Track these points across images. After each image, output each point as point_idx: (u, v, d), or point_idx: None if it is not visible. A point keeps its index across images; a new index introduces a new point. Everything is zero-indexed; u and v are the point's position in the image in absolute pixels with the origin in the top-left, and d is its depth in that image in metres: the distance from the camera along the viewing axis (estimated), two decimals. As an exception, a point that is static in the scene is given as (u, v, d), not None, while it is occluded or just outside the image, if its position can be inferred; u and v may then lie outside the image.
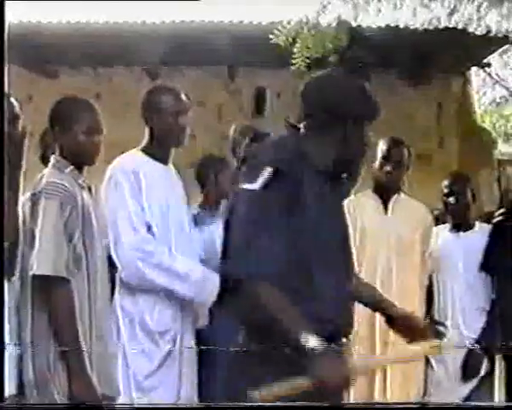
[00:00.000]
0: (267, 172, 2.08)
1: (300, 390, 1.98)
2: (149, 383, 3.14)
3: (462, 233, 4.00)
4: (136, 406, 3.05)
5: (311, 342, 1.95)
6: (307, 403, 2.02)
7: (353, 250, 2.41)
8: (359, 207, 3.72)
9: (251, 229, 2.08)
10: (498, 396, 3.59)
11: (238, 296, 2.07)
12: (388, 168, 3.72)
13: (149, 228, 3.15)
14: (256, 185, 2.08)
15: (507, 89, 10.64)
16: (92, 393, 2.55)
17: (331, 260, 2.18)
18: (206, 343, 3.30)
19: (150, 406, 3.09)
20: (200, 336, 3.32)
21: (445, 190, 4.01)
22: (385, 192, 3.78)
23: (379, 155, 3.72)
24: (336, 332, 2.17)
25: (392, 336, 3.38)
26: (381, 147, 3.73)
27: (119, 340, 3.15)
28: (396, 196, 3.81)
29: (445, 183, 4.04)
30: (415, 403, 3.56)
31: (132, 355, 3.15)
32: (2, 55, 2.47)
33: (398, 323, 2.40)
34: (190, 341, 3.25)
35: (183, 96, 3.29)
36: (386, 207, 3.78)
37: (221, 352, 2.98)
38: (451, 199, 3.97)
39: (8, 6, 2.49)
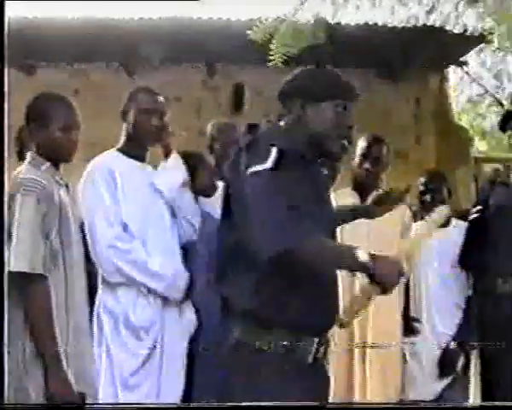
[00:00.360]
0: (275, 152, 2.11)
1: (370, 296, 2.13)
2: (135, 380, 3.16)
3: (437, 230, 4.03)
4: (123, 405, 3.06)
5: (364, 256, 2.11)
6: (307, 403, 2.12)
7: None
8: (338, 204, 3.73)
9: (278, 202, 2.09)
10: (474, 393, 3.61)
11: (293, 265, 2.12)
12: (367, 165, 3.74)
13: (126, 226, 3.20)
14: (267, 165, 2.11)
15: (483, 87, 10.73)
16: (69, 391, 2.54)
17: None
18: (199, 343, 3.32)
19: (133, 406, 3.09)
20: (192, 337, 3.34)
21: (421, 188, 4.04)
22: (364, 189, 3.80)
23: (358, 152, 3.74)
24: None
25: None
26: (361, 144, 3.74)
27: (103, 338, 3.18)
28: (375, 193, 3.83)
29: (421, 180, 4.07)
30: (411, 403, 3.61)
31: (117, 353, 3.17)
32: (2, 55, 2.46)
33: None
34: (175, 337, 3.25)
35: (160, 97, 3.35)
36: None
37: (214, 350, 3.01)
38: (427, 196, 4.00)
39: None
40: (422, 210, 4.13)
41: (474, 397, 3.62)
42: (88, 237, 3.16)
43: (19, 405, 2.52)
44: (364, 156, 3.73)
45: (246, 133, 3.67)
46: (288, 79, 2.36)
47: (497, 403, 3.40)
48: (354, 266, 2.16)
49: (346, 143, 2.28)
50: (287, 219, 2.07)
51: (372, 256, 2.10)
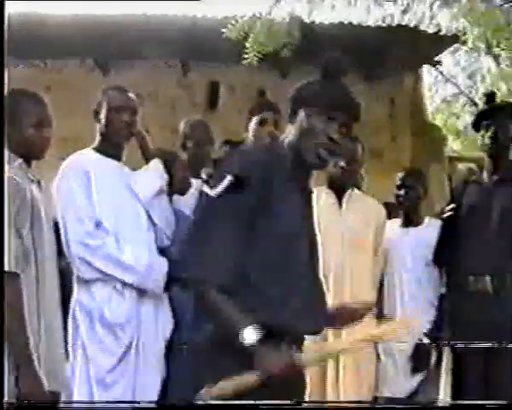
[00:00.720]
0: (227, 180, 2.10)
1: (248, 386, 2.01)
2: (111, 377, 3.15)
3: (411, 228, 4.05)
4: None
5: (253, 336, 2.00)
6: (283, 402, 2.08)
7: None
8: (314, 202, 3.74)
9: (200, 233, 2.14)
10: (444, 390, 3.63)
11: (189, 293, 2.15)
12: (342, 164, 3.74)
13: (99, 223, 3.20)
14: (214, 192, 2.12)
15: (457, 87, 10.80)
16: (40, 390, 2.52)
17: (300, 263, 2.21)
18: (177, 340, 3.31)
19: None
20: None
21: (398, 183, 4.07)
22: (339, 188, 3.81)
23: None
24: (305, 332, 2.22)
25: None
26: None
27: (78, 336, 3.17)
28: (350, 191, 3.84)
29: (399, 176, 4.10)
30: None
31: (93, 350, 3.16)
32: (2, 55, 2.44)
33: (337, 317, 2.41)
34: (152, 334, 3.25)
35: (130, 94, 3.36)
36: (340, 203, 3.81)
37: (187, 348, 3.01)
38: (402, 192, 4.03)
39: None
40: (398, 206, 4.15)
41: (444, 394, 3.63)
42: (61, 235, 3.15)
43: (19, 405, 2.50)
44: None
45: (221, 145, 3.72)
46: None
47: (466, 402, 3.42)
48: (234, 337, 2.04)
49: (323, 153, 2.19)
50: (196, 251, 2.11)
51: (260, 342, 2.00)
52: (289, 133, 2.27)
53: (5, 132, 2.51)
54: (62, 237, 3.15)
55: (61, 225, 3.17)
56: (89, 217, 3.17)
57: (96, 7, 6.48)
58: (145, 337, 3.22)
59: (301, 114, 2.22)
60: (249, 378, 2.01)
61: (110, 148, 3.31)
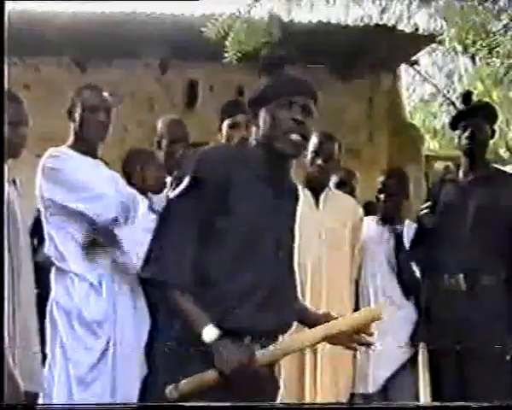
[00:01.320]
0: (185, 182, 2.13)
1: (208, 384, 2.03)
2: (90, 376, 3.16)
3: (388, 226, 4.07)
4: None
5: (212, 334, 2.03)
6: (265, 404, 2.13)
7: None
8: None
9: (159, 235, 2.17)
10: (422, 389, 3.66)
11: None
12: (319, 162, 3.76)
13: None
14: (172, 194, 2.17)
15: (435, 86, 10.86)
16: (15, 390, 2.50)
17: (264, 259, 2.19)
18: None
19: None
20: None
21: (379, 187, 4.07)
22: (316, 186, 3.82)
23: (310, 149, 3.76)
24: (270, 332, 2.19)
25: None
26: (313, 141, 3.76)
27: (57, 335, 3.17)
28: (327, 190, 3.85)
29: (380, 179, 4.10)
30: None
31: (72, 349, 3.16)
32: (2, 55, 2.42)
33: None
34: (130, 332, 3.26)
35: (105, 94, 3.37)
36: (317, 202, 3.81)
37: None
38: (382, 196, 4.04)
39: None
40: (378, 208, 4.17)
41: (424, 394, 3.66)
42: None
43: (19, 405, 2.48)
44: (316, 153, 3.75)
45: (183, 150, 3.71)
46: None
47: (446, 403, 3.44)
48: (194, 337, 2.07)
49: (294, 137, 2.20)
50: (156, 253, 2.15)
51: (219, 340, 2.03)
52: (255, 133, 2.28)
53: (5, 132, 2.49)
54: None
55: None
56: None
57: (73, 4, 6.43)
58: (123, 334, 3.23)
59: (262, 113, 2.24)
60: (209, 376, 2.03)
61: (85, 146, 3.32)
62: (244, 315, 2.11)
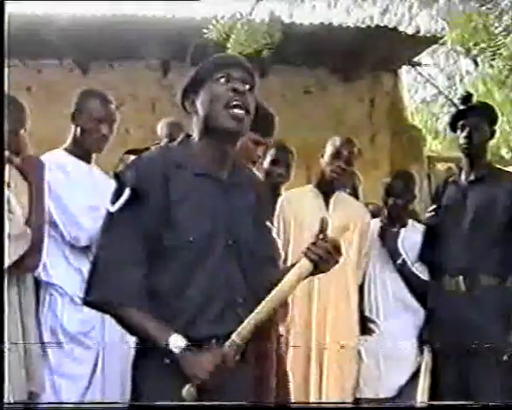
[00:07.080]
0: (125, 194, 2.00)
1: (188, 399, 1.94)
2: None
3: (394, 229, 4.05)
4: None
5: (178, 344, 1.94)
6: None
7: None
8: (297, 201, 3.74)
9: (102, 256, 2.05)
10: (423, 390, 3.65)
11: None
12: (339, 165, 3.71)
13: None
14: (113, 208, 2.02)
15: (436, 87, 10.85)
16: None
17: (215, 265, 2.06)
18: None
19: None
20: None
21: (386, 188, 4.03)
22: (328, 189, 3.79)
23: (328, 151, 3.73)
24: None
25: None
26: (334, 144, 3.73)
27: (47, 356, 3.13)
28: (337, 193, 3.83)
29: (387, 181, 4.06)
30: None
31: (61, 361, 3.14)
32: (2, 56, 2.43)
33: None
34: (116, 338, 3.23)
35: (112, 105, 3.35)
36: (327, 204, 3.79)
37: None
38: (390, 201, 4.00)
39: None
40: (383, 210, 4.14)
41: (422, 395, 3.65)
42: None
43: (19, 405, 2.48)
44: (335, 157, 3.72)
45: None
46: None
47: (446, 403, 3.44)
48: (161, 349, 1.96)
49: (235, 111, 2.06)
50: (99, 272, 2.02)
51: (187, 347, 1.93)
52: (195, 124, 2.15)
53: (5, 132, 2.49)
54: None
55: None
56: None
57: (75, 7, 6.44)
58: (111, 339, 3.18)
59: (200, 96, 2.12)
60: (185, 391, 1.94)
61: (81, 152, 3.33)
62: (200, 327, 2.01)
